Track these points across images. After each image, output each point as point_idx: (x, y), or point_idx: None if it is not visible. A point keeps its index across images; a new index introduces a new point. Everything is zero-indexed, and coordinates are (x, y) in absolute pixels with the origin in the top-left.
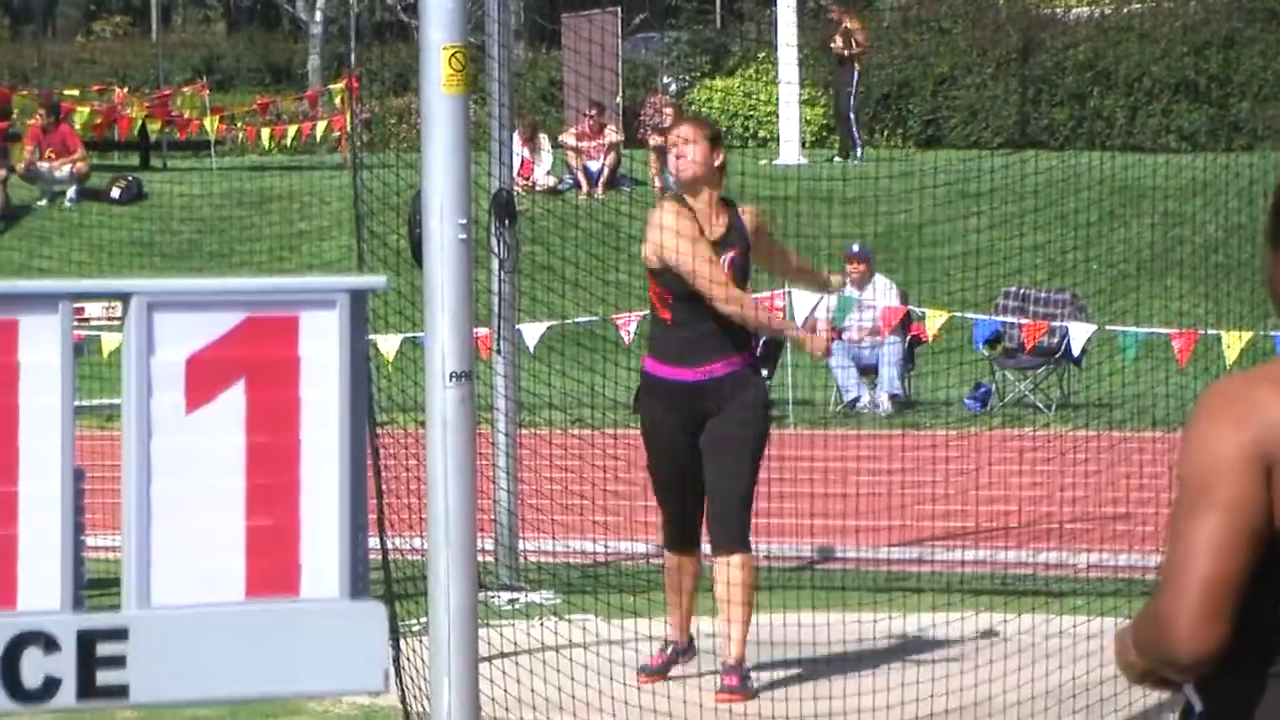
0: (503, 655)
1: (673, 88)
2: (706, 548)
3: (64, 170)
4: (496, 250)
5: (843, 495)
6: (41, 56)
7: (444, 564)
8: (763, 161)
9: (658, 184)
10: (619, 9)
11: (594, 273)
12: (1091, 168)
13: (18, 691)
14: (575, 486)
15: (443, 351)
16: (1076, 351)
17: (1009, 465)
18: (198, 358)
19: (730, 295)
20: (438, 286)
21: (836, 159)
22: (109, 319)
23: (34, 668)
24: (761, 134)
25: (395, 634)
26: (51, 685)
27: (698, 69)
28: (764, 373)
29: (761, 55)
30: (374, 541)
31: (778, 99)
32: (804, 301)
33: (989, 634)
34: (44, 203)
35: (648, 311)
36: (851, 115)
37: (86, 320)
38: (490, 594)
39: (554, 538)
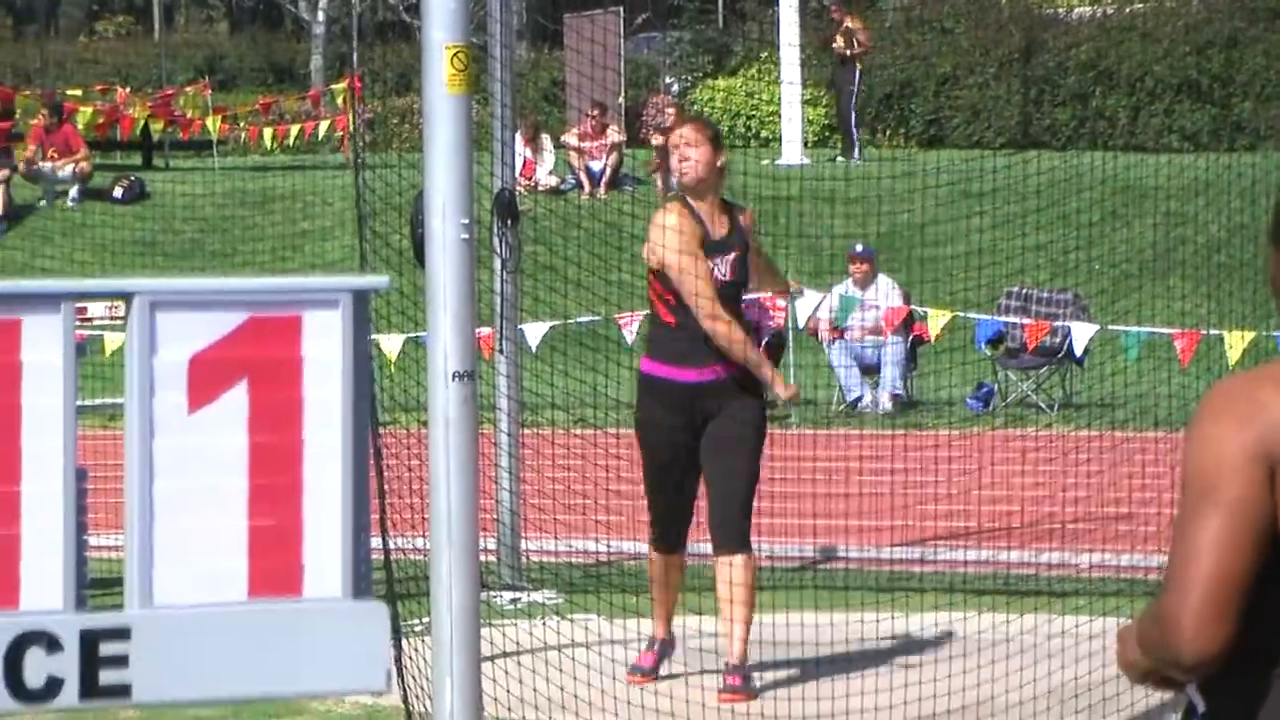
0: (505, 655)
1: (675, 88)
2: (704, 547)
3: (67, 170)
4: (499, 250)
5: (845, 495)
6: (44, 56)
7: (446, 563)
8: (765, 161)
9: (660, 184)
10: (621, 9)
11: (596, 273)
12: (1094, 168)
13: (20, 691)
14: (578, 486)
15: (445, 351)
16: (1079, 351)
17: (1011, 465)
18: (200, 357)
19: (716, 314)
20: (440, 286)
21: (839, 159)
22: (111, 319)
23: (36, 667)
24: (764, 134)
25: (397, 634)
26: (54, 685)
27: (700, 69)
28: None
29: (764, 55)
30: (376, 541)
31: (780, 99)
32: (807, 301)
33: (991, 634)
34: (46, 202)
35: (648, 311)
36: (852, 116)
37: (89, 320)
38: (492, 594)
39: (556, 537)
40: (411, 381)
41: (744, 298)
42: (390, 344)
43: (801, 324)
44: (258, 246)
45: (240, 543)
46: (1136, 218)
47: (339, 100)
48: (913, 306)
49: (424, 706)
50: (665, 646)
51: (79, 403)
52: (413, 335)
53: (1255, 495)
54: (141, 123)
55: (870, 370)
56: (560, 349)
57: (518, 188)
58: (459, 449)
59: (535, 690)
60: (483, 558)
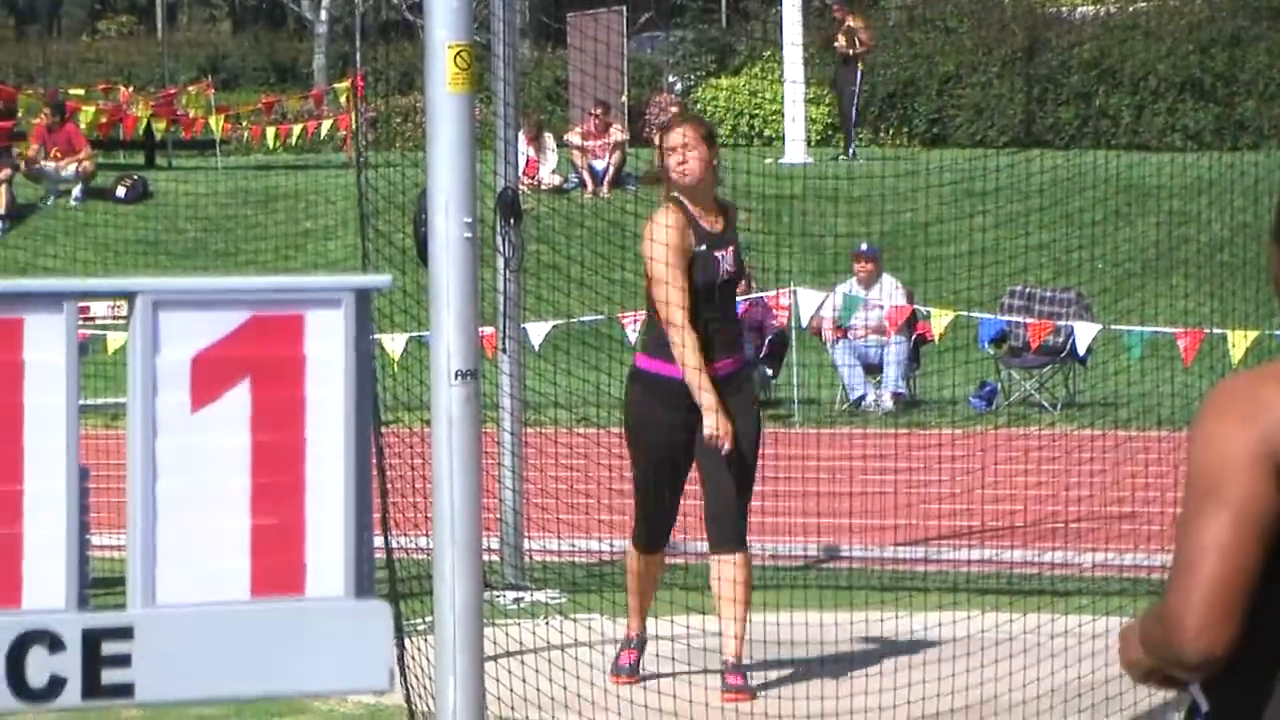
0: (508, 654)
1: (678, 86)
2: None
3: (69, 169)
4: (502, 249)
5: (848, 494)
6: (47, 55)
7: (449, 563)
8: (768, 160)
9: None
10: (624, 8)
11: (599, 271)
12: (1097, 166)
13: (23, 690)
14: (581, 485)
15: (448, 350)
16: (1082, 350)
17: (1014, 464)
18: (203, 356)
19: (684, 327)
20: (443, 285)
21: (841, 158)
22: (114, 318)
23: (39, 667)
24: (767, 133)
25: (400, 633)
26: (57, 684)
27: (703, 68)
28: (769, 371)
29: (767, 54)
30: (378, 540)
31: (783, 98)
32: (809, 301)
33: (994, 633)
34: (49, 201)
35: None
36: (853, 115)
37: (92, 319)
38: (495, 593)
39: (559, 537)
40: (415, 380)
41: (749, 297)
42: (393, 343)
43: (805, 323)
44: (260, 246)
45: (243, 542)
46: (1139, 216)
47: (342, 99)
48: (916, 305)
49: (427, 706)
50: (642, 644)
51: (81, 402)
52: (416, 334)
53: (1259, 493)
54: (144, 122)
55: (873, 369)
56: (563, 348)
57: (521, 187)
58: (462, 448)
59: (538, 690)
60: (486, 557)
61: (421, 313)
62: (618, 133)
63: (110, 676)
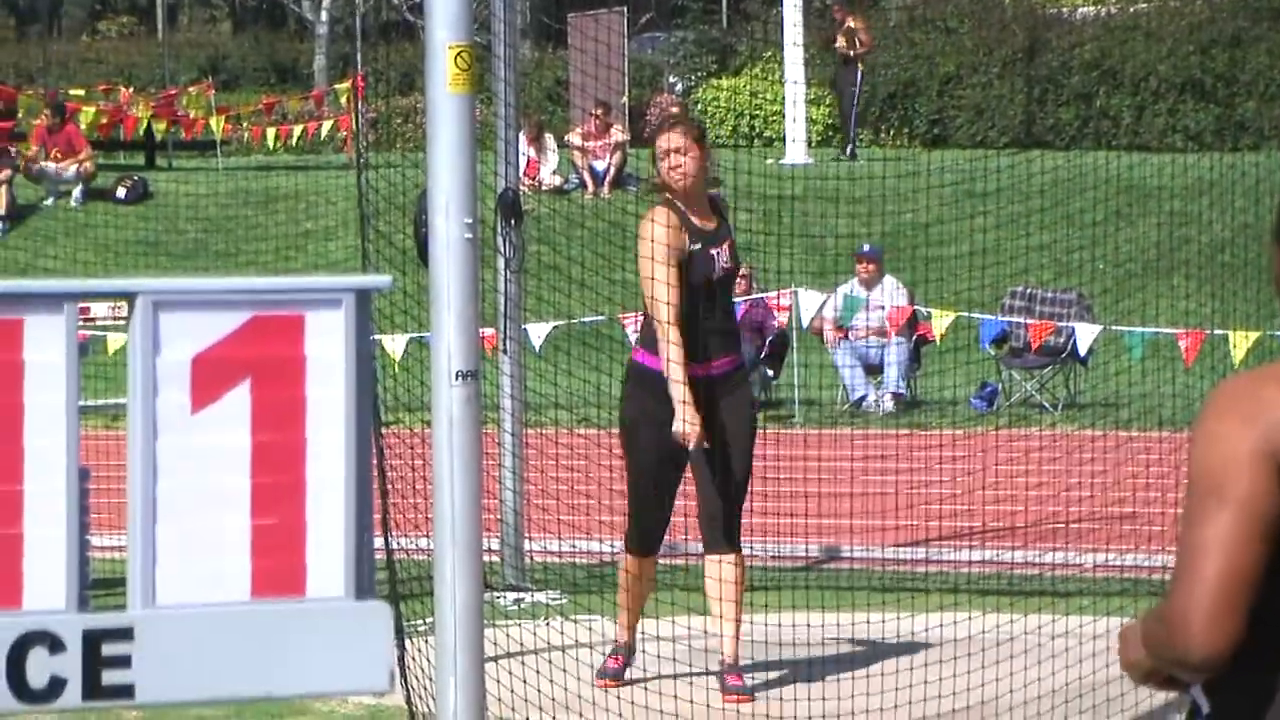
0: (509, 655)
1: (679, 87)
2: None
3: (70, 170)
4: (502, 250)
5: (849, 495)
6: (47, 56)
7: (450, 563)
8: (769, 161)
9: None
10: (625, 9)
11: (600, 272)
12: (1097, 167)
13: (23, 691)
14: (581, 486)
15: (449, 351)
16: (1083, 351)
17: (1015, 465)
18: (203, 357)
19: (672, 324)
20: (444, 286)
21: (840, 159)
22: (115, 319)
23: (39, 667)
24: (768, 134)
25: (401, 634)
26: (57, 685)
27: (704, 68)
28: (770, 372)
29: (768, 55)
30: (379, 541)
31: (784, 98)
32: (810, 301)
33: (995, 634)
34: (50, 202)
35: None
36: (853, 116)
37: (92, 320)
38: (496, 594)
39: (560, 537)
40: (415, 381)
41: (750, 297)
42: (394, 344)
43: (805, 324)
44: (261, 246)
45: (243, 542)
46: (1140, 217)
47: (342, 100)
48: (917, 306)
49: (427, 707)
50: (630, 652)
51: (82, 403)
52: (416, 335)
53: (1261, 493)
54: (145, 122)
55: (874, 370)
56: (564, 348)
57: (521, 187)
58: (463, 449)
59: (539, 691)
60: (486, 558)
61: (422, 313)
62: (618, 133)
63: (110, 677)
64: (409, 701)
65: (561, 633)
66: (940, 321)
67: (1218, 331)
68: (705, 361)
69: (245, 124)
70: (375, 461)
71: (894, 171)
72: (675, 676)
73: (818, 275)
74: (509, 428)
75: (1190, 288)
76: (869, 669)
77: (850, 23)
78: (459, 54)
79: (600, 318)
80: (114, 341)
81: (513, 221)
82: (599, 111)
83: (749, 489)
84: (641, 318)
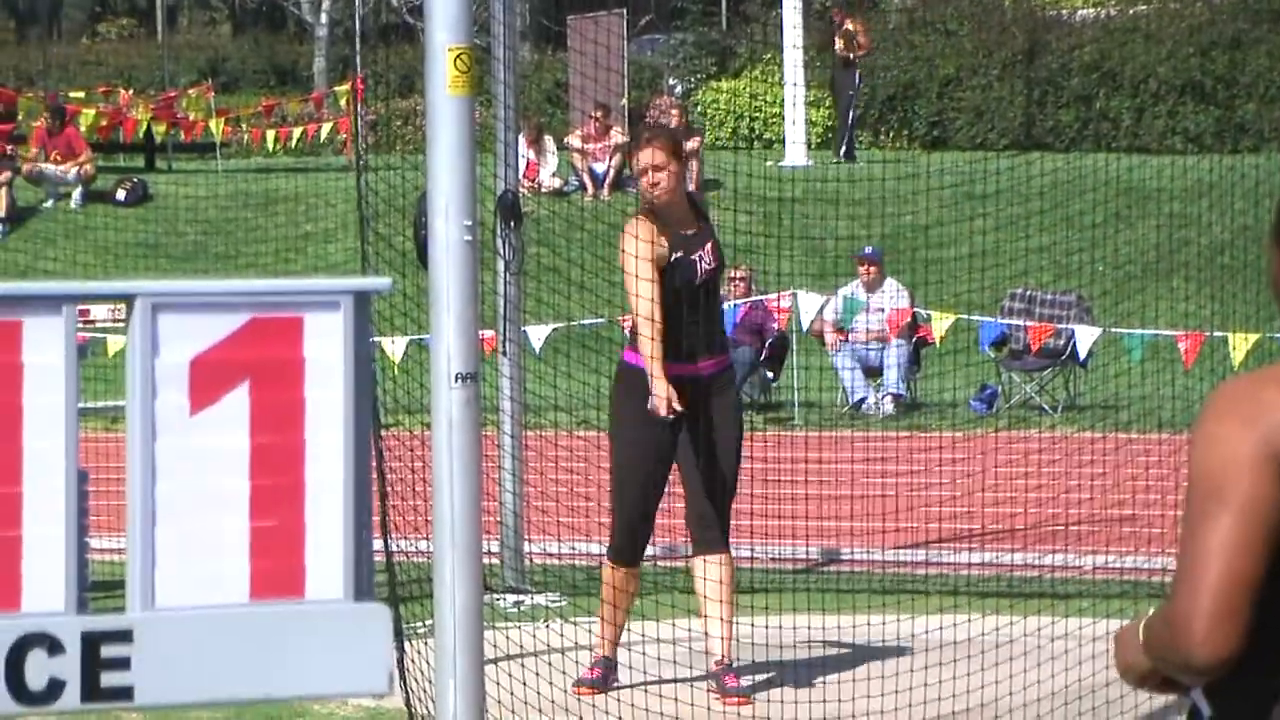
0: (508, 657)
1: (678, 89)
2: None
3: (70, 172)
4: (502, 252)
5: (848, 497)
6: (47, 59)
7: (449, 566)
8: (769, 163)
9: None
10: (624, 11)
11: (599, 274)
12: (1097, 169)
13: (22, 694)
14: (580, 488)
15: (448, 353)
16: (1082, 353)
17: (1015, 467)
18: (202, 359)
19: (649, 320)
20: (443, 288)
21: (835, 161)
22: (114, 321)
23: (38, 670)
24: (767, 135)
25: (400, 636)
26: (56, 687)
27: (703, 71)
28: (770, 374)
29: (767, 57)
30: (378, 543)
31: (783, 101)
32: (809, 303)
33: (995, 636)
34: (49, 204)
35: None
36: (850, 118)
37: (92, 322)
38: (495, 596)
39: (559, 540)
40: (415, 383)
41: (750, 299)
42: (394, 346)
43: (805, 326)
44: (260, 249)
45: (242, 544)
46: (1140, 219)
47: (342, 102)
48: (916, 308)
49: (427, 709)
50: (610, 665)
51: (81, 405)
52: (416, 337)
53: (1262, 495)
54: (144, 125)
55: (874, 372)
56: (563, 351)
57: (521, 189)
58: (462, 451)
59: (538, 693)
60: (486, 560)
61: (422, 315)
62: (618, 135)
63: (109, 679)
64: (408, 704)
65: (561, 635)
66: (940, 323)
67: (1217, 333)
68: (692, 362)
69: (245, 126)
70: (374, 463)
71: (894, 173)
72: (675, 680)
73: (817, 277)
74: (508, 430)
75: (1190, 290)
76: (869, 671)
77: (849, 25)
78: (458, 56)
79: (600, 320)
80: (114, 344)
81: (512, 224)
82: (598, 114)
83: (738, 489)
84: (629, 321)
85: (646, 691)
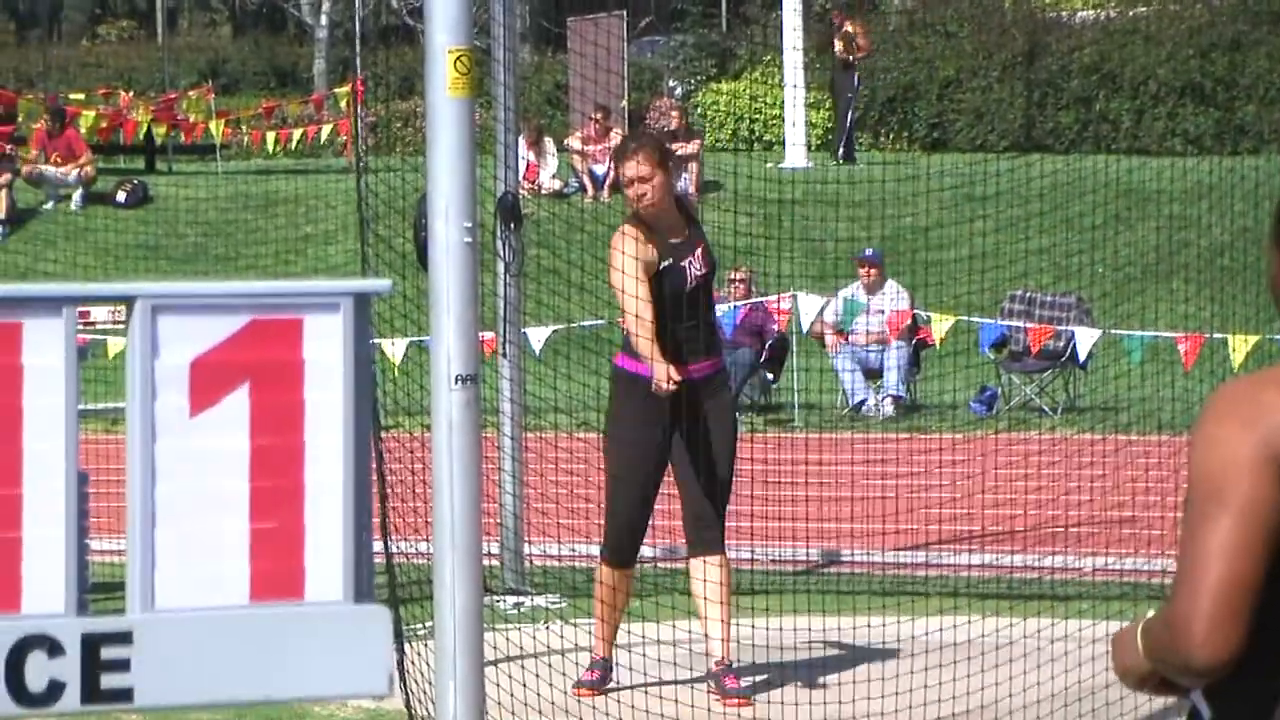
0: (508, 659)
1: (679, 91)
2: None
3: (70, 174)
4: (502, 253)
5: (848, 499)
6: (47, 60)
7: (449, 567)
8: (769, 165)
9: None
10: (625, 12)
11: (599, 276)
12: (1097, 171)
13: (22, 695)
14: (581, 490)
15: (448, 355)
16: (1082, 355)
17: (1014, 469)
18: (202, 361)
19: (640, 318)
20: (443, 290)
21: (833, 163)
22: (114, 323)
23: (38, 671)
24: (767, 137)
25: (400, 637)
26: (56, 689)
27: (703, 72)
28: (770, 376)
29: (767, 59)
30: (378, 545)
31: (783, 102)
32: (809, 305)
33: (995, 638)
34: (49, 206)
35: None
36: (849, 120)
37: (92, 324)
38: (495, 598)
39: (559, 541)
40: (415, 385)
41: (749, 301)
42: (394, 348)
43: (805, 328)
44: (260, 250)
45: (242, 546)
46: (1140, 221)
47: (342, 104)
48: (917, 310)
49: (427, 710)
50: (607, 666)
51: (81, 407)
52: (416, 339)
53: (1262, 497)
54: (144, 126)
55: (874, 374)
56: (563, 352)
57: (521, 191)
58: (462, 452)
59: (538, 694)
60: (485, 561)
61: (422, 317)
62: (618, 137)
63: (109, 681)
64: (408, 705)
65: (561, 636)
66: (940, 325)
67: (1217, 335)
68: (685, 364)
69: (245, 128)
70: (375, 465)
71: (893, 175)
72: (675, 681)
73: (817, 279)
74: (508, 431)
75: (1189, 291)
76: (869, 673)
77: (848, 27)
78: (459, 58)
79: (600, 321)
80: (114, 346)
81: (512, 225)
82: (598, 115)
83: (734, 490)
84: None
85: (647, 693)
